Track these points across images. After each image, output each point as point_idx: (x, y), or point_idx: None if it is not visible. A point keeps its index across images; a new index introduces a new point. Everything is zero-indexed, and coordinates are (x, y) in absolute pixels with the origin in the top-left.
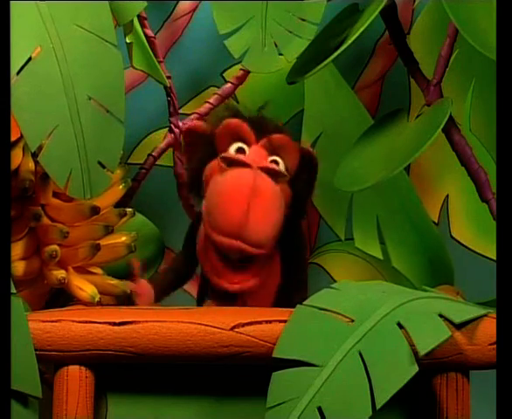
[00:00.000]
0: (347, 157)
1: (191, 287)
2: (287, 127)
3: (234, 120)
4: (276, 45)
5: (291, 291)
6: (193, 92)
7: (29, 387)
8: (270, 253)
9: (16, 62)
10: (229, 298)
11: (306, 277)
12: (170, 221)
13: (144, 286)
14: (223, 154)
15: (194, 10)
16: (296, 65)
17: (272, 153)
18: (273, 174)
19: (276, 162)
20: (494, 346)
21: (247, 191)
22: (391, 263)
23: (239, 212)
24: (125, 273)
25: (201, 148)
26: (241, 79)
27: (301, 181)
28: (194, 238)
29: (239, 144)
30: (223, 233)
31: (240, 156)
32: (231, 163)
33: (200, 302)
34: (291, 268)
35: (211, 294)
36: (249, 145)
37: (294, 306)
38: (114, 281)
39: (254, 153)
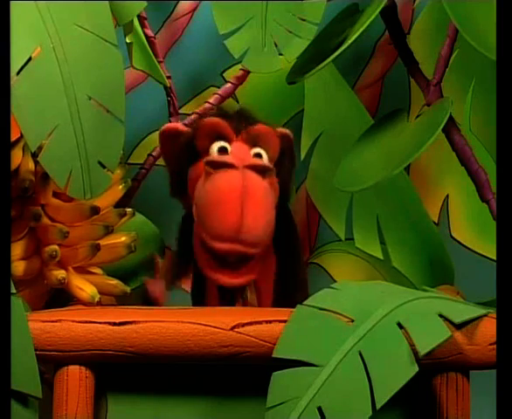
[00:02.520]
0: (347, 157)
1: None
2: (287, 127)
3: (211, 119)
4: (276, 45)
5: (289, 287)
6: (193, 92)
7: (29, 387)
8: (265, 249)
9: (16, 62)
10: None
11: (303, 267)
12: (170, 221)
13: (160, 284)
14: (207, 159)
15: (194, 10)
16: (296, 65)
17: (253, 145)
18: (260, 169)
19: (259, 155)
20: (494, 346)
21: (238, 194)
22: (391, 263)
23: (234, 216)
24: (125, 273)
25: (180, 149)
26: (241, 79)
27: (284, 165)
28: (186, 236)
29: (220, 143)
30: (220, 239)
31: (224, 157)
32: (217, 166)
33: (195, 301)
34: (285, 258)
35: (209, 296)
36: (230, 141)
37: (293, 301)
38: (114, 281)
39: (237, 149)
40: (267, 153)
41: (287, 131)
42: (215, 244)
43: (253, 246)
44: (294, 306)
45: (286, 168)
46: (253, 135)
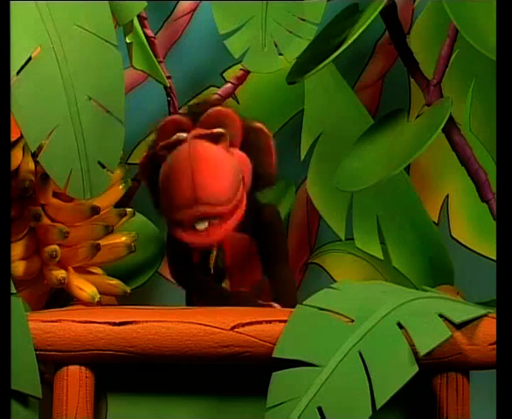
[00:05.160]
0: (347, 157)
1: None
2: (287, 127)
3: (166, 119)
4: (276, 45)
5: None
6: (193, 92)
7: (29, 387)
8: (232, 207)
9: (16, 62)
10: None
11: (288, 267)
12: None
13: None
14: (160, 144)
15: (194, 10)
16: (296, 65)
17: (211, 128)
18: (210, 136)
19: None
20: (494, 346)
21: (185, 162)
22: (391, 263)
23: (185, 182)
24: (125, 273)
25: (150, 162)
26: (241, 79)
27: (257, 147)
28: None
29: (178, 134)
30: (180, 208)
31: (173, 137)
32: (170, 147)
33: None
34: (269, 256)
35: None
36: (188, 131)
37: (279, 300)
38: (114, 281)
39: (193, 132)
40: (227, 131)
41: (259, 125)
42: (177, 216)
43: (213, 204)
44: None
45: (260, 151)
46: (210, 119)
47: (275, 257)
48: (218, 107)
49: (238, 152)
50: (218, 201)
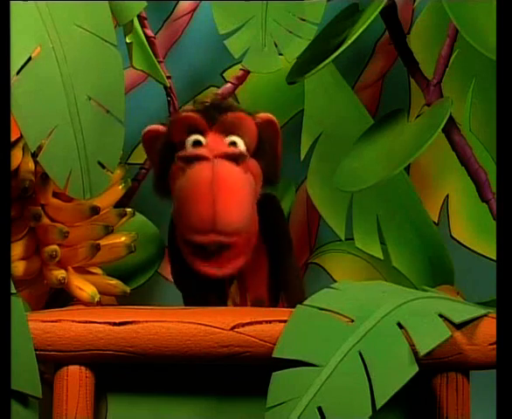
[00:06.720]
0: (347, 157)
1: None
2: (287, 126)
3: (183, 113)
4: (276, 45)
5: (282, 281)
6: (193, 92)
7: (29, 387)
8: (247, 236)
9: (16, 62)
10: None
11: (294, 257)
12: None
13: None
14: (179, 155)
15: (194, 10)
16: (296, 65)
17: (228, 133)
18: (232, 157)
19: (234, 143)
20: (494, 346)
21: (208, 185)
22: (391, 263)
23: (206, 207)
24: (125, 273)
25: (160, 148)
26: (241, 79)
27: (266, 149)
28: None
29: (195, 137)
30: (196, 232)
31: (196, 150)
32: (189, 160)
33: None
34: (275, 247)
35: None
36: (204, 133)
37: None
38: (114, 281)
39: (211, 141)
40: (243, 139)
41: (268, 116)
42: (192, 237)
43: (230, 234)
44: (288, 303)
45: (269, 152)
46: (227, 124)
47: (278, 248)
48: (236, 113)
49: (252, 164)
50: (234, 232)
